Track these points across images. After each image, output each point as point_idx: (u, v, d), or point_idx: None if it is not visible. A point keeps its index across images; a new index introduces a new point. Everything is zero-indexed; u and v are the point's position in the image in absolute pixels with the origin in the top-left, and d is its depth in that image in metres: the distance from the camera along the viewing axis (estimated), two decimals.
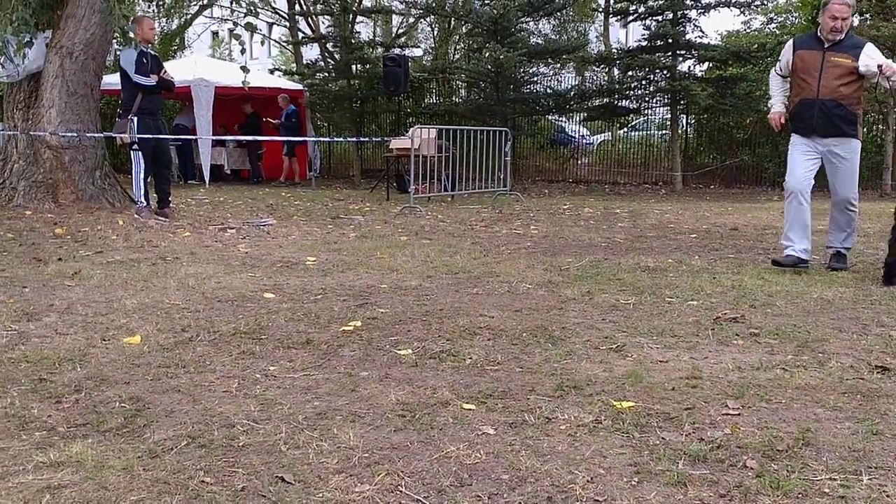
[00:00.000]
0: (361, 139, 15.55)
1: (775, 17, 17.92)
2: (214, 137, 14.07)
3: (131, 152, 8.11)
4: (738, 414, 2.55)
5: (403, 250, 6.32)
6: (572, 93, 15.84)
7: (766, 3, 16.60)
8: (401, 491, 2.02)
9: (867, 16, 13.24)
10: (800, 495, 1.97)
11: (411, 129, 11.43)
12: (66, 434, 2.40)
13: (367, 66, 15.44)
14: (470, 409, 2.62)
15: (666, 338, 3.55)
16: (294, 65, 19.14)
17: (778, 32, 16.92)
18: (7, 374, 2.97)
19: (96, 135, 8.38)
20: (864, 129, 14.72)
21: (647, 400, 2.69)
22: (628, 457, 2.22)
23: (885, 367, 3.02)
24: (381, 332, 3.65)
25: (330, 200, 11.46)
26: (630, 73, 14.79)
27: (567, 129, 18.54)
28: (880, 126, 13.75)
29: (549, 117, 17.71)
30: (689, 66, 14.99)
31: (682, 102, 14.61)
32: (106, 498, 1.97)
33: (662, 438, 2.35)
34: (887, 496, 1.96)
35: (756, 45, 14.55)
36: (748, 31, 18.15)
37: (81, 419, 2.52)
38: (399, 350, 3.35)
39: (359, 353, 3.32)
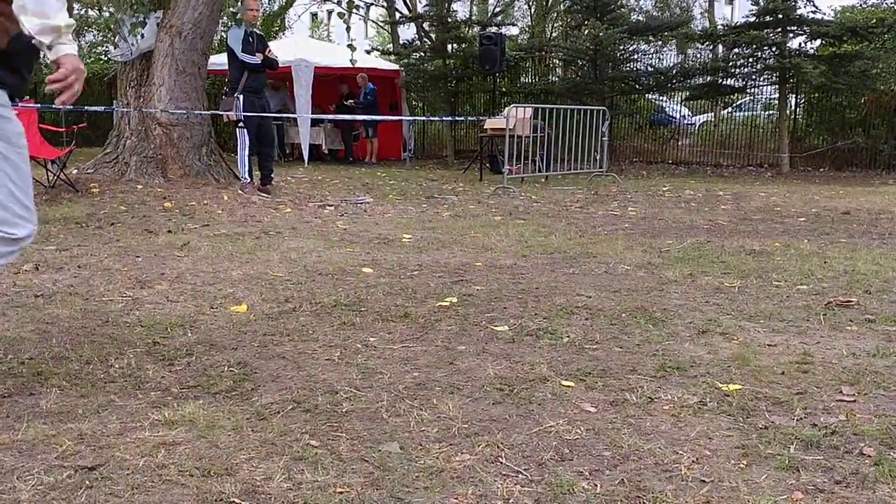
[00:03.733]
0: (456, 119, 15.55)
1: None
2: (314, 116, 14.34)
3: (237, 130, 8.36)
4: (854, 401, 2.43)
5: (497, 230, 6.31)
6: (674, 71, 15.36)
7: None
8: (501, 462, 2.02)
9: None
10: None
11: (506, 108, 11.35)
12: (179, 395, 2.50)
13: (463, 45, 15.39)
14: (569, 386, 2.59)
15: (774, 322, 3.42)
16: (391, 45, 19.29)
17: None
18: (123, 337, 3.12)
19: (203, 112, 8.68)
20: None
21: (754, 383, 2.60)
22: (736, 439, 2.15)
23: None
24: (477, 309, 3.65)
25: (424, 180, 11.53)
26: (736, 50, 14.22)
27: (667, 109, 18.04)
28: None
29: (649, 96, 17.25)
30: (800, 43, 14.28)
31: (791, 81, 13.97)
32: (217, 455, 2.05)
33: (772, 422, 2.26)
34: None
35: (874, 21, 13.74)
36: (865, 5, 17.15)
37: (193, 381, 2.63)
38: (495, 326, 3.34)
39: (455, 327, 3.33)
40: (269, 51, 8.38)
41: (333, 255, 4.99)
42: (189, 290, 3.95)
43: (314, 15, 35.64)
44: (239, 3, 8.21)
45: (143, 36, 8.11)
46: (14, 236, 2.39)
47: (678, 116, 17.77)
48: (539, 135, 11.77)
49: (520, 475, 1.95)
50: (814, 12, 13.66)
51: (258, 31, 8.38)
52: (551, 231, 6.29)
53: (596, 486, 1.89)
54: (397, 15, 17.90)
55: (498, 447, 2.11)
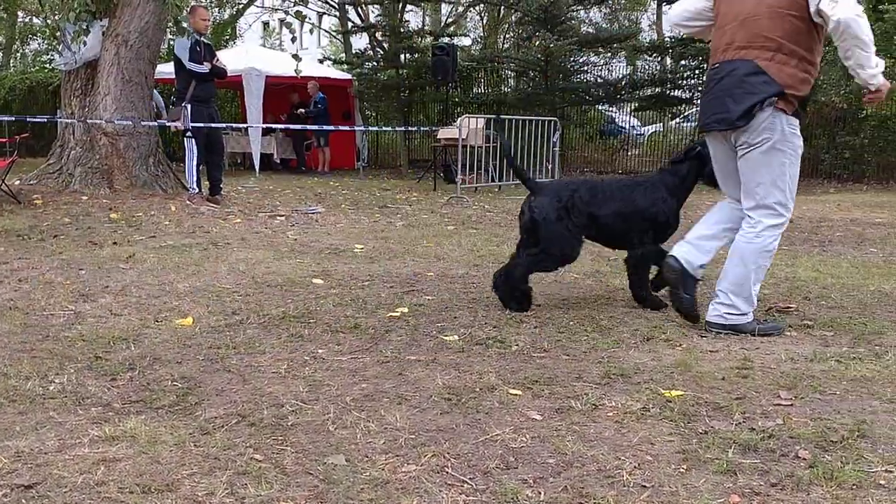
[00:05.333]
0: (409, 129, 15.57)
1: None
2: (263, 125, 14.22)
3: (185, 139, 8.25)
4: (791, 405, 2.49)
5: (450, 239, 6.33)
6: (623, 82, 15.62)
7: None
8: (447, 472, 2.03)
9: None
10: (854, 486, 1.92)
11: (459, 118, 11.41)
12: (121, 410, 2.46)
13: (416, 55, 15.44)
14: (516, 395, 2.62)
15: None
16: (343, 54, 19.26)
17: None
18: (64, 352, 3.05)
19: (150, 122, 8.55)
20: None
21: (696, 389, 2.65)
22: (677, 444, 2.19)
23: None
24: (428, 319, 3.66)
25: (377, 190, 11.51)
26: (683, 62, 14.53)
27: (617, 120, 18.32)
28: None
29: (599, 107, 17.50)
30: None
31: None
32: (158, 471, 2.01)
33: (712, 427, 2.31)
34: None
35: None
36: None
37: (135, 396, 2.59)
38: (446, 336, 3.36)
39: (406, 338, 3.33)
40: (217, 60, 8.31)
41: (283, 266, 4.95)
42: (133, 304, 3.88)
43: (266, 24, 35.39)
44: (186, 12, 8.12)
45: (85, 44, 7.96)
46: None
47: (628, 127, 18.06)
48: (492, 145, 11.85)
49: (465, 484, 1.96)
50: None
51: (206, 41, 8.30)
52: (503, 240, 6.33)
53: (540, 493, 1.91)
54: (349, 24, 17.88)
55: (444, 457, 2.12)
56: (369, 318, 3.65)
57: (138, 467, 2.03)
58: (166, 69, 11.07)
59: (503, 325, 3.55)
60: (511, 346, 3.20)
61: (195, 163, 8.19)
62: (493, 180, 11.92)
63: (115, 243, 5.74)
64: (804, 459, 2.08)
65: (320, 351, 3.11)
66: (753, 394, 2.60)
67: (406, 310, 3.81)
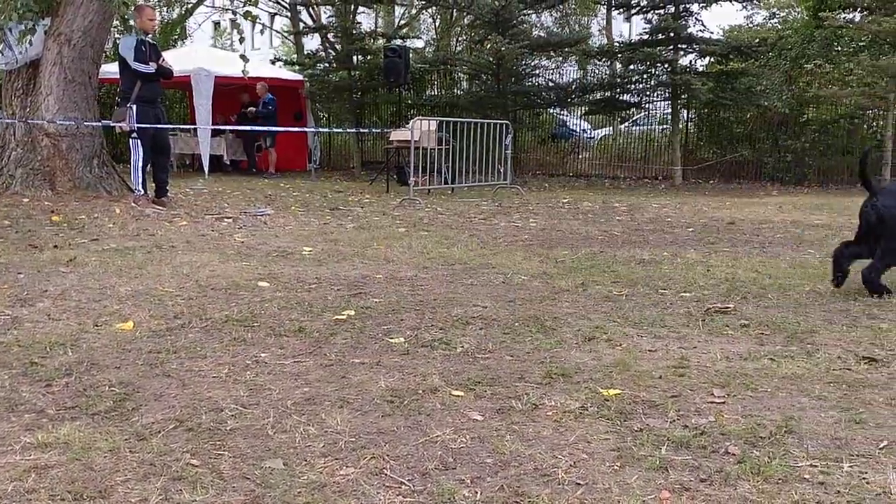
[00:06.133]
0: (361, 130, 15.53)
1: (777, 11, 17.88)
2: (213, 127, 14.06)
3: (130, 140, 8.11)
4: (723, 402, 2.56)
5: (400, 241, 6.34)
6: (574, 86, 15.81)
7: None
8: (385, 474, 2.04)
9: (868, 11, 13.20)
10: (780, 481, 1.98)
11: (412, 120, 11.42)
12: (55, 416, 2.42)
13: (368, 56, 15.41)
14: (458, 396, 2.64)
15: (656, 328, 3.56)
16: (295, 55, 19.12)
17: (780, 27, 16.86)
18: None
19: (94, 123, 8.38)
20: (864, 126, 14.77)
21: (633, 388, 2.70)
22: (612, 442, 2.23)
23: (872, 359, 3.04)
24: (374, 321, 3.66)
25: (329, 192, 11.46)
26: (631, 66, 14.76)
27: (569, 123, 18.53)
28: (881, 122, 13.73)
29: (551, 111, 17.69)
30: (691, 61, 14.96)
31: (682, 97, 14.59)
32: (91, 478, 1.99)
33: (647, 425, 2.36)
34: (867, 483, 1.97)
35: (758, 40, 14.51)
36: (750, 25, 18.12)
37: (71, 402, 2.54)
38: (391, 338, 3.36)
39: (351, 341, 3.33)
40: (164, 60, 8.18)
41: (228, 269, 4.90)
42: (73, 308, 3.81)
43: (216, 23, 34.93)
44: (132, 11, 7.99)
45: (31, 43, 7.78)
46: None
47: (579, 130, 18.28)
48: (445, 147, 11.89)
49: (403, 486, 1.97)
50: (702, 31, 14.32)
51: (151, 40, 8.17)
52: (454, 242, 6.37)
53: (476, 493, 1.93)
54: (301, 25, 17.76)
55: (383, 459, 2.13)
56: (314, 321, 3.64)
57: (71, 474, 2.00)
58: (111, 69, 10.87)
59: (449, 327, 3.57)
60: (456, 348, 3.23)
61: (141, 164, 8.05)
62: (445, 182, 11.96)
63: (56, 246, 5.62)
64: (734, 455, 2.13)
65: (263, 355, 3.10)
66: (688, 392, 2.67)
67: (352, 312, 3.81)
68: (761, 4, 17.24)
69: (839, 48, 14.84)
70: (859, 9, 13.75)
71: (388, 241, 6.31)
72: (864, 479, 2.00)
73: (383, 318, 3.74)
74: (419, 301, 4.11)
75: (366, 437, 2.29)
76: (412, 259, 5.48)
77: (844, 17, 13.83)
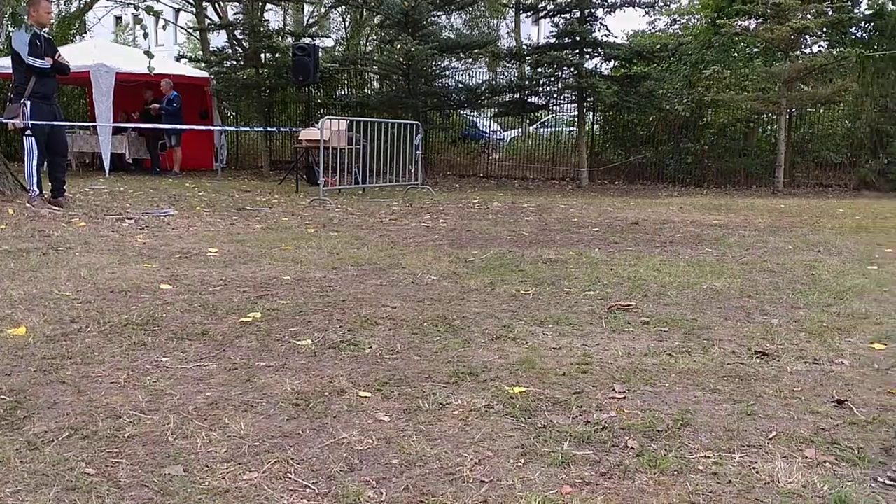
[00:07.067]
0: (270, 129, 15.28)
1: (678, 18, 18.52)
2: (115, 125, 13.57)
3: (24, 138, 7.75)
4: (624, 397, 2.64)
5: (309, 242, 6.27)
6: (483, 88, 15.98)
7: (669, 4, 17.15)
8: (289, 478, 2.02)
9: (763, 18, 13.84)
10: (675, 472, 2.06)
11: (321, 120, 11.31)
12: None
13: (277, 54, 15.17)
14: (365, 397, 2.63)
15: (561, 326, 3.64)
16: (200, 52, 18.64)
17: (680, 33, 17.48)
18: None
19: None
20: (759, 129, 15.50)
21: (538, 385, 2.76)
22: (516, 439, 2.27)
23: (764, 353, 3.18)
24: (281, 323, 3.61)
25: (236, 191, 11.23)
26: (539, 69, 15.03)
27: (479, 125, 18.72)
28: (774, 126, 14.41)
29: (462, 112, 17.83)
30: (596, 64, 15.35)
31: (588, 100, 14.95)
32: None
33: (550, 421, 2.41)
34: (757, 472, 2.07)
35: (659, 46, 15.01)
36: (653, 31, 18.70)
37: None
38: (298, 340, 3.32)
39: (256, 343, 3.28)
40: (60, 55, 7.85)
41: (129, 272, 4.74)
42: None
43: (118, 18, 33.73)
44: (24, 4, 7.62)
45: None
46: None
47: (489, 132, 18.50)
48: (355, 147, 11.83)
49: (307, 489, 1.96)
50: (607, 36, 14.72)
51: (46, 35, 7.82)
52: (364, 242, 6.34)
53: (382, 493, 1.93)
54: (207, 21, 17.33)
55: (288, 463, 2.10)
56: (219, 324, 3.56)
57: None
58: (3, 63, 10.36)
59: (358, 328, 3.55)
60: (364, 349, 3.21)
61: (35, 163, 7.71)
62: (356, 182, 11.90)
63: None
64: (632, 449, 2.20)
65: (164, 359, 3.01)
66: (591, 388, 2.74)
67: (258, 315, 3.74)
68: (663, 11, 17.85)
69: (736, 54, 15.52)
70: (754, 17, 14.40)
71: (297, 242, 6.23)
72: (754, 468, 2.09)
73: (290, 320, 3.69)
74: (328, 302, 4.08)
75: (270, 440, 2.25)
76: (321, 260, 5.43)
77: (741, 25, 14.47)
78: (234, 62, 15.88)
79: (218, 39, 18.89)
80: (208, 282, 4.54)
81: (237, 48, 16.06)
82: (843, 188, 14.27)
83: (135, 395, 2.61)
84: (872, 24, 15.14)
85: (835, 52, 13.70)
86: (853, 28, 15.21)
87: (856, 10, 15.06)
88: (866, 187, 13.95)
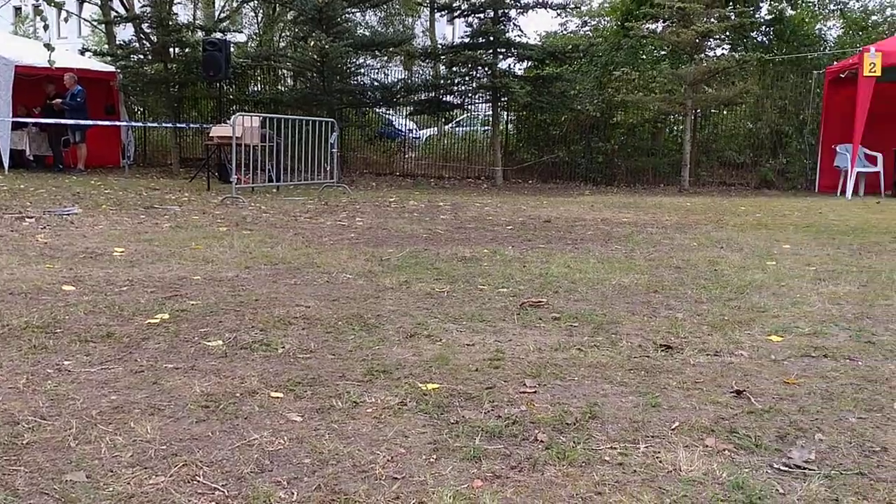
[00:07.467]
0: (179, 126, 14.88)
1: (589, 20, 18.93)
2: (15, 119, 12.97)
3: None
4: (535, 392, 2.69)
5: (221, 241, 6.14)
6: (399, 86, 15.96)
7: (580, 6, 17.53)
8: (198, 481, 1.98)
9: (669, 22, 14.30)
10: (583, 464, 2.11)
11: (233, 116, 11.09)
12: None
13: (186, 49, 14.79)
14: (277, 398, 2.60)
15: (475, 323, 3.68)
16: (106, 45, 17.98)
17: (591, 35, 17.88)
18: None
19: None
20: (666, 130, 16.01)
21: (451, 381, 2.78)
22: (429, 435, 2.29)
23: (668, 346, 3.30)
24: (191, 324, 3.53)
25: (144, 189, 10.91)
26: (454, 68, 15.12)
27: (395, 123, 18.69)
28: (681, 126, 14.91)
29: (378, 110, 17.77)
30: (510, 65, 15.55)
31: (502, 99, 15.13)
32: None
33: (463, 417, 2.44)
34: (660, 462, 2.14)
35: (570, 47, 15.32)
36: (564, 32, 19.06)
37: None
38: (208, 341, 3.26)
39: (164, 345, 3.20)
40: None
41: (29, 273, 4.55)
42: None
43: (17, 9, 32.23)
44: None
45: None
46: None
47: (405, 130, 18.50)
48: (269, 144, 11.65)
49: (216, 492, 1.92)
50: (520, 36, 14.93)
51: None
52: (278, 241, 6.25)
53: (293, 493, 1.92)
54: (112, 14, 16.73)
55: (196, 466, 2.06)
56: (125, 325, 3.46)
57: None
58: None
59: (270, 328, 3.51)
60: (277, 349, 3.18)
61: None
62: (270, 180, 11.72)
63: None
64: (542, 442, 2.25)
65: (66, 363, 2.90)
66: (503, 383, 2.78)
67: (167, 316, 3.65)
68: (574, 13, 18.22)
69: (644, 56, 15.98)
70: (661, 20, 14.87)
71: (208, 241, 6.10)
72: (657, 458, 2.17)
73: (200, 320, 3.61)
74: (239, 302, 4.01)
75: (178, 444, 2.20)
76: (233, 259, 5.33)
77: (648, 28, 14.92)
78: (142, 56, 15.40)
79: (124, 33, 18.27)
80: (114, 282, 4.40)
81: (145, 42, 15.58)
82: (746, 187, 14.89)
83: (35, 399, 2.51)
84: (772, 28, 15.85)
85: (737, 56, 14.27)
86: (754, 32, 15.88)
87: (757, 15, 15.73)
88: (767, 186, 14.59)
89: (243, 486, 1.96)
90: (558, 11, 16.56)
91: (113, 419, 2.37)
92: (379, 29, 20.64)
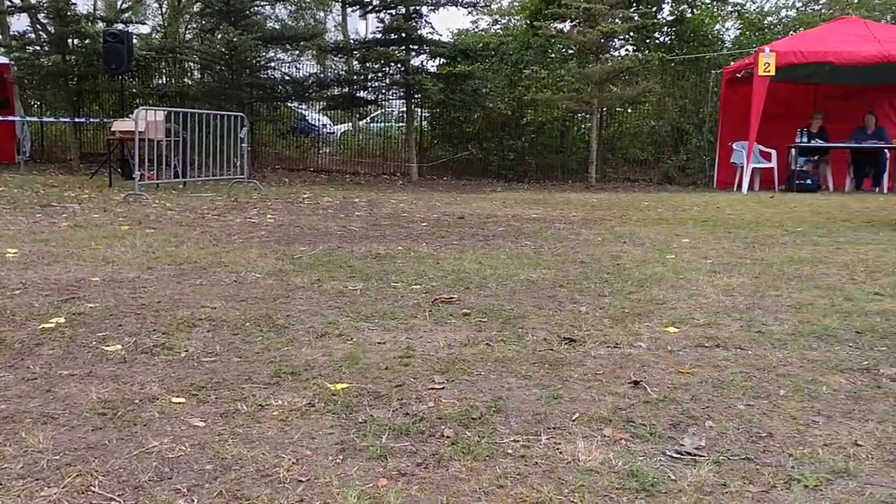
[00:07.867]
0: (78, 120, 14.31)
1: (499, 18, 19.15)
2: None
3: None
4: (443, 388, 2.72)
5: (123, 240, 5.95)
6: (311, 81, 15.78)
7: (490, 4, 17.70)
8: (93, 491, 1.92)
9: (576, 22, 14.60)
10: (487, 458, 2.15)
11: (136, 110, 10.74)
12: None
13: (86, 41, 14.23)
14: (179, 403, 2.54)
15: (387, 320, 3.68)
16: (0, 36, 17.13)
17: (501, 34, 18.09)
18: None
19: None
20: (574, 128, 16.36)
21: (361, 380, 2.78)
22: (336, 436, 2.28)
23: (571, 339, 3.38)
24: (88, 328, 3.41)
25: (42, 187, 10.45)
26: (367, 64, 15.05)
27: (308, 118, 18.47)
28: (588, 125, 15.25)
29: (290, 105, 17.51)
30: (423, 62, 15.59)
31: (416, 96, 15.15)
32: None
33: (371, 416, 2.44)
34: (560, 453, 2.20)
35: (482, 45, 15.47)
36: (476, 30, 19.23)
37: None
38: (107, 346, 3.15)
39: (59, 351, 3.08)
40: None
41: None
42: None
43: None
44: None
45: None
46: None
47: (319, 126, 18.30)
48: (174, 139, 11.33)
49: (112, 502, 1.87)
50: (432, 34, 14.99)
51: None
52: (183, 240, 6.10)
53: (193, 501, 1.88)
54: (6, 4, 15.93)
55: (91, 475, 2.00)
56: (17, 331, 3.31)
57: None
58: None
59: (174, 331, 3.42)
60: (180, 353, 3.10)
61: None
62: (176, 176, 11.41)
63: None
64: (448, 438, 2.27)
65: None
66: (412, 380, 2.79)
67: (62, 320, 3.51)
68: (485, 11, 18.39)
69: (553, 55, 16.27)
70: (568, 20, 15.16)
71: (109, 241, 5.89)
72: (558, 449, 2.22)
73: (99, 324, 3.49)
74: (141, 304, 3.89)
75: (72, 453, 2.13)
76: (135, 259, 5.17)
77: (556, 27, 15.19)
78: (38, 48, 14.74)
79: (19, 23, 17.44)
80: (5, 285, 4.20)
81: (41, 33, 14.91)
82: (649, 183, 15.36)
83: None
84: (673, 29, 16.39)
85: (640, 56, 14.70)
86: (656, 33, 16.39)
87: (659, 17, 16.23)
88: (668, 182, 15.09)
89: (141, 495, 1.91)
90: (469, 9, 16.68)
91: (2, 429, 2.27)
92: (289, 23, 20.34)
